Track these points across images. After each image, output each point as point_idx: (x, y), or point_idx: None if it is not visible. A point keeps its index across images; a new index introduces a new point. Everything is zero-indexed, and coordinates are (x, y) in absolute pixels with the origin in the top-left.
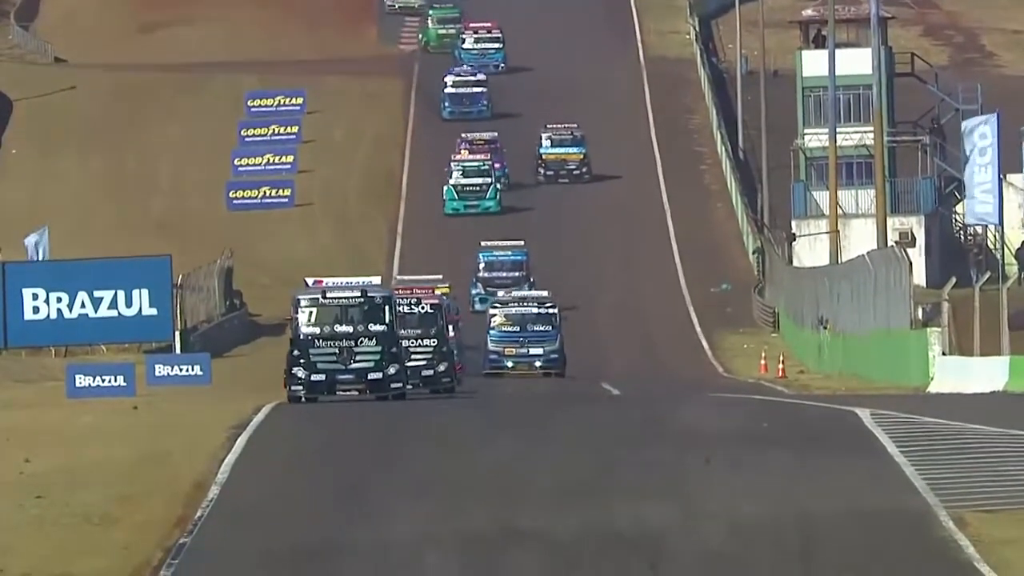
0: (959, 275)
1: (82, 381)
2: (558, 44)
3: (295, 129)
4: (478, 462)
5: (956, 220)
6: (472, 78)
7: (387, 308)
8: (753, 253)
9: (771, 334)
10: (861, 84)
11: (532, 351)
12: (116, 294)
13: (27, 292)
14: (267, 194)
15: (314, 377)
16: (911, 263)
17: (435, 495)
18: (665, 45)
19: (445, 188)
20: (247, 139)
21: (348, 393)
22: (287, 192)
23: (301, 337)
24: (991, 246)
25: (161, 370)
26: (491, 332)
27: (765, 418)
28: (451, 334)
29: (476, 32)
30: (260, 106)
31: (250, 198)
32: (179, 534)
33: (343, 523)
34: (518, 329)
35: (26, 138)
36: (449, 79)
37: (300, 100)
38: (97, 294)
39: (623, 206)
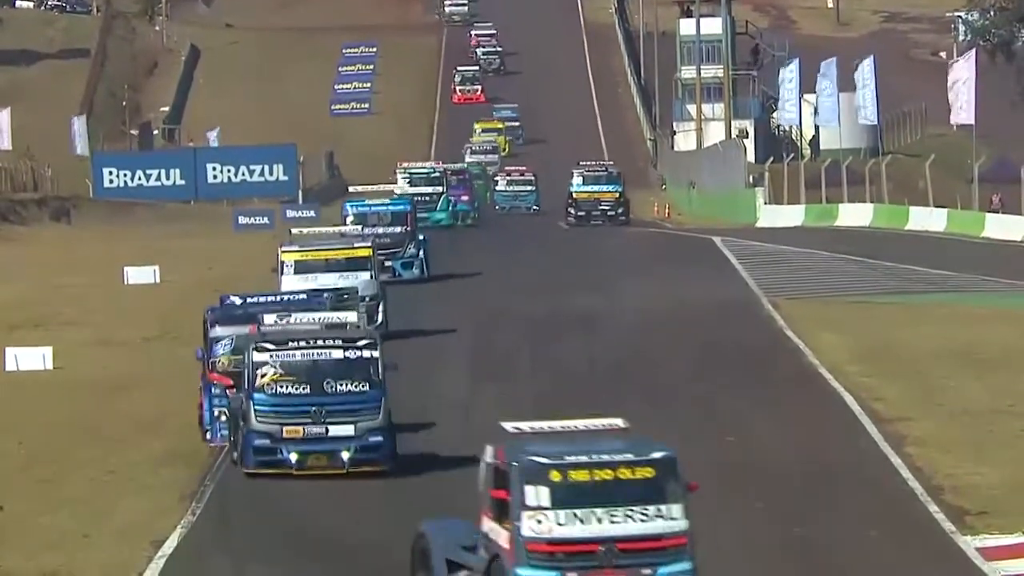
0: (775, 155)
1: (242, 220)
2: (529, 18)
3: (371, 67)
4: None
5: (773, 122)
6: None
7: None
8: (650, 141)
9: (661, 191)
10: (715, 39)
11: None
12: (263, 167)
13: (209, 166)
14: (354, 107)
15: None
16: (746, 148)
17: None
18: (597, 16)
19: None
20: (343, 73)
21: None
22: (366, 105)
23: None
24: (794, 138)
25: (290, 213)
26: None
27: (657, 242)
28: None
29: (509, 175)
30: (351, 53)
31: (344, 109)
32: None
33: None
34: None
35: (208, 75)
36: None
37: (374, 49)
38: (251, 167)
39: (570, 121)
